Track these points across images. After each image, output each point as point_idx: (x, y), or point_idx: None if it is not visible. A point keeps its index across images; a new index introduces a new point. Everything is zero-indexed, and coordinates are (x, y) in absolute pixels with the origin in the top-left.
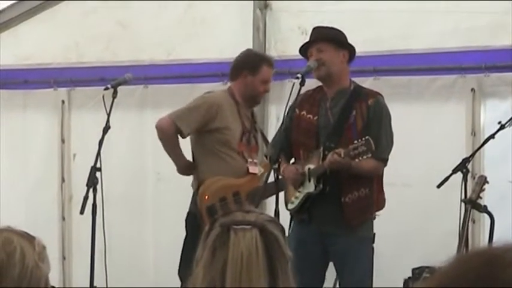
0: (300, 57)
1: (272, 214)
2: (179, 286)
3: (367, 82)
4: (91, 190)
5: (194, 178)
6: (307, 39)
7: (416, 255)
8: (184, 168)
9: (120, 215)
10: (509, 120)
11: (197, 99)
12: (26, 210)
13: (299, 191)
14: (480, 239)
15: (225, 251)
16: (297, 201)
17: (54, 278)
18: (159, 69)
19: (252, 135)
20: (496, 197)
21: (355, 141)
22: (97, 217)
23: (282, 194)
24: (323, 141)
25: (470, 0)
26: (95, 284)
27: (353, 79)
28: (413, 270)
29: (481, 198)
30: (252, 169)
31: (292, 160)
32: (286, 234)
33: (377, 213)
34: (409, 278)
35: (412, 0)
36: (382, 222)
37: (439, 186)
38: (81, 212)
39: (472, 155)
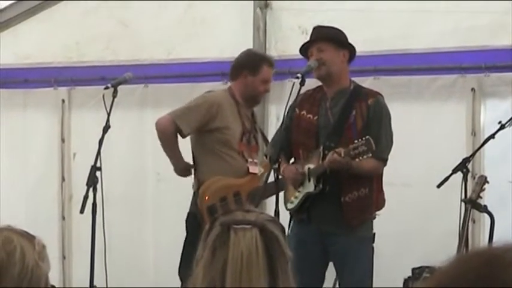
0: (300, 56)
1: (272, 214)
2: (179, 286)
3: (367, 82)
4: (91, 189)
5: (194, 178)
6: (308, 38)
7: (416, 255)
8: (182, 169)
9: (120, 215)
10: (510, 120)
11: (197, 99)
12: (26, 209)
13: (299, 191)
14: (480, 238)
15: (225, 250)
16: (296, 201)
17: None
18: (160, 68)
19: (252, 135)
20: (496, 197)
21: (356, 141)
22: (97, 216)
23: (282, 194)
24: (323, 141)
25: (470, 0)
26: (94, 284)
27: (353, 79)
28: (413, 270)
29: (481, 198)
30: (252, 169)
31: (292, 160)
32: (286, 233)
33: (377, 213)
34: (409, 277)
35: (412, 0)
36: (382, 222)
37: (439, 186)
38: (81, 212)
39: (472, 155)
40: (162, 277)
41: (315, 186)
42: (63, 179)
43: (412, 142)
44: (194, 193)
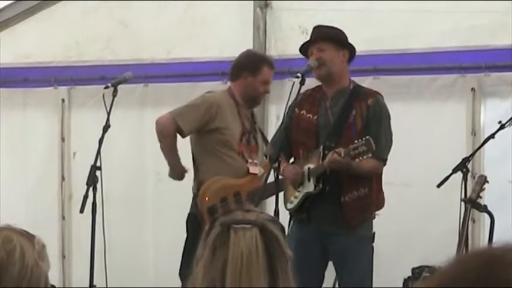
0: (300, 56)
1: (272, 214)
2: (179, 286)
3: (366, 81)
4: (91, 189)
5: (194, 180)
6: (308, 38)
7: (416, 254)
8: (179, 171)
9: (120, 214)
10: (510, 119)
11: (197, 99)
12: (26, 209)
13: (298, 191)
14: (480, 238)
15: (225, 250)
16: (296, 201)
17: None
18: (160, 68)
19: (251, 135)
20: (496, 196)
21: (356, 141)
22: (97, 216)
23: (281, 194)
24: (323, 140)
25: (470, 0)
26: (94, 283)
27: (353, 78)
28: (413, 269)
29: (481, 197)
30: (253, 169)
31: (292, 159)
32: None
33: (376, 212)
34: (408, 277)
35: (412, 0)
36: (382, 222)
37: (439, 185)
38: (81, 211)
39: (472, 155)
40: (162, 277)
41: (315, 186)
42: (63, 179)
43: (412, 142)
44: (194, 194)
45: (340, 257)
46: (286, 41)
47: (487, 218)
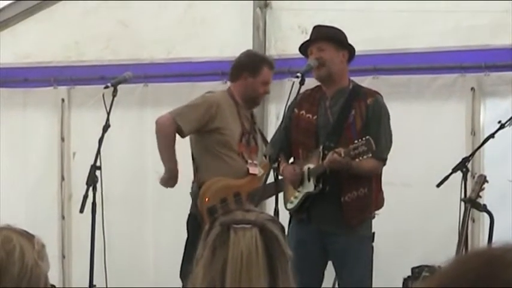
0: (300, 56)
1: (272, 213)
2: (179, 286)
3: (366, 81)
4: (91, 189)
5: (194, 180)
6: (307, 38)
7: (415, 254)
8: (173, 171)
9: (120, 214)
10: (509, 119)
11: (197, 99)
12: (26, 209)
13: (298, 191)
14: (480, 238)
15: (225, 250)
16: (296, 201)
17: (53, 276)
18: (159, 67)
19: (251, 136)
20: (496, 196)
21: (356, 141)
22: (97, 216)
23: (281, 194)
24: (322, 140)
25: (470, 0)
26: (94, 283)
27: (352, 78)
28: (413, 269)
29: (480, 197)
30: (252, 170)
31: (292, 159)
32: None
33: (376, 212)
34: (408, 277)
35: (412, 0)
36: (382, 222)
37: (438, 185)
38: (81, 211)
39: (472, 154)
40: (162, 277)
41: (315, 186)
42: (62, 178)
43: (411, 142)
44: (195, 194)
45: (340, 257)
46: (286, 41)
47: (486, 218)
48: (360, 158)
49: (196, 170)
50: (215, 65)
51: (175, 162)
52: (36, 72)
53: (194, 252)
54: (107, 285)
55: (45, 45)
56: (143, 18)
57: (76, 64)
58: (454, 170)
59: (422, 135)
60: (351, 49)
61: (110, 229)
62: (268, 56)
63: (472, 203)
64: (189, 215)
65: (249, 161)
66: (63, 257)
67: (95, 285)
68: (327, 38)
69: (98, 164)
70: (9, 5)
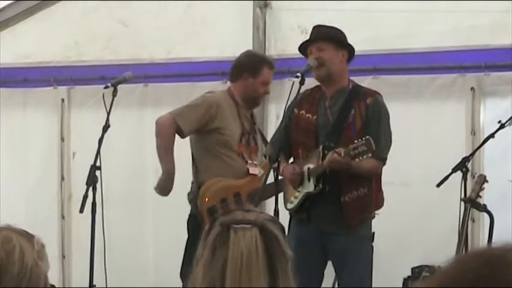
0: (300, 56)
1: (272, 213)
2: (179, 286)
3: (366, 81)
4: (91, 189)
5: (193, 180)
6: (307, 38)
7: (415, 254)
8: (170, 172)
9: (119, 214)
10: (509, 119)
11: (197, 99)
12: (26, 209)
13: (298, 191)
14: (480, 238)
15: (225, 250)
16: (296, 201)
17: (53, 276)
18: (159, 67)
19: (251, 136)
20: (496, 196)
21: (355, 141)
22: (97, 216)
23: (281, 194)
24: (322, 140)
25: (470, 0)
26: (94, 283)
27: (352, 78)
28: (413, 269)
29: (480, 197)
30: (252, 170)
31: (292, 159)
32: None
33: (376, 212)
34: (408, 277)
35: (412, 0)
36: (382, 222)
37: (438, 185)
38: (81, 211)
39: (472, 154)
40: (162, 277)
41: (315, 186)
42: (62, 178)
43: (411, 141)
44: (195, 194)
45: (340, 257)
46: (286, 41)
47: (486, 218)
48: (360, 157)
49: (196, 170)
50: (215, 65)
51: (173, 163)
52: (36, 72)
53: (194, 253)
54: (106, 285)
55: (45, 45)
56: (143, 18)
57: (76, 64)
58: (454, 170)
59: (422, 135)
60: (350, 49)
61: (109, 229)
62: (268, 56)
63: (472, 203)
64: (189, 215)
65: (249, 161)
66: (63, 257)
67: (94, 285)
68: (326, 37)
69: (97, 164)
70: (9, 5)
